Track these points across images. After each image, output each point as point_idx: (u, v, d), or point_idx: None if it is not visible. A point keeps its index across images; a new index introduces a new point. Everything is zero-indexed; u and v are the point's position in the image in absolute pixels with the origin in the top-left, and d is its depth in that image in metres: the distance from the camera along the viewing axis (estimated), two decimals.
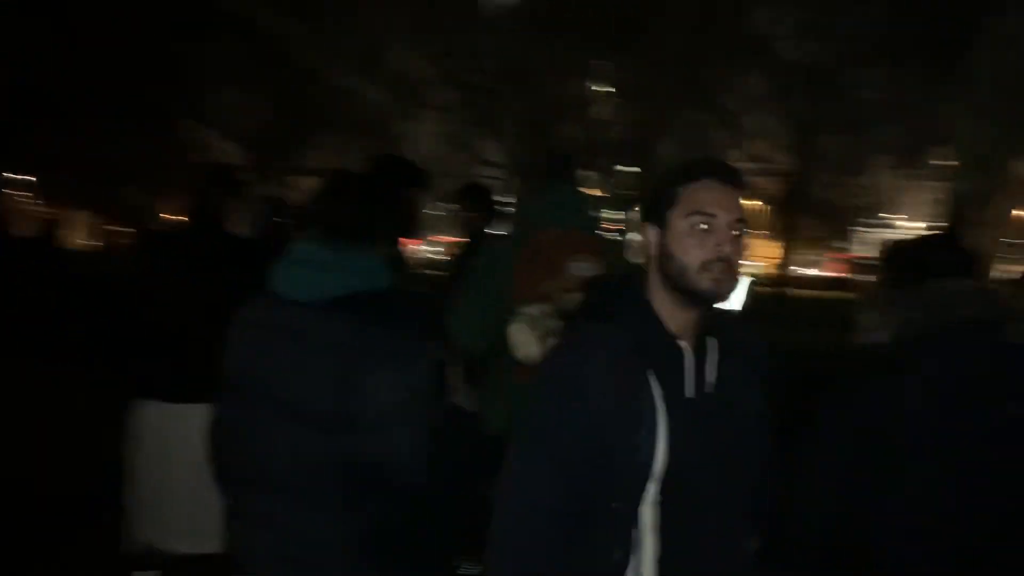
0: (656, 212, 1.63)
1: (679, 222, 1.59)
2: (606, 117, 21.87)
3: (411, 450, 1.76)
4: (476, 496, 2.08)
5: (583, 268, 2.48)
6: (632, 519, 1.53)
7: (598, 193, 25.97)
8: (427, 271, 11.17)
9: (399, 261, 2.98)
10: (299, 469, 1.76)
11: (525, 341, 1.53)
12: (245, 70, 17.59)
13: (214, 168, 3.86)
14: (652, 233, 1.63)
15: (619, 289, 1.65)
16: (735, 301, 3.83)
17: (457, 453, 2.05)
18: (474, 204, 4.17)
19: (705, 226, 1.56)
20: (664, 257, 1.61)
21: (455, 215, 4.31)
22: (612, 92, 20.70)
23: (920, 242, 2.05)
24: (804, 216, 21.73)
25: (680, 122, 21.65)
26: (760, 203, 32.18)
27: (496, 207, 4.19)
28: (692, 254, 1.57)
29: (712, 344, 1.65)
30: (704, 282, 1.57)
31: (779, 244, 22.38)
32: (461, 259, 4.07)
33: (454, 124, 20.87)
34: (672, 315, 1.62)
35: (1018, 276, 8.75)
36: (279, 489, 1.78)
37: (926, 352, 1.80)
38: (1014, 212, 16.62)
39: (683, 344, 1.62)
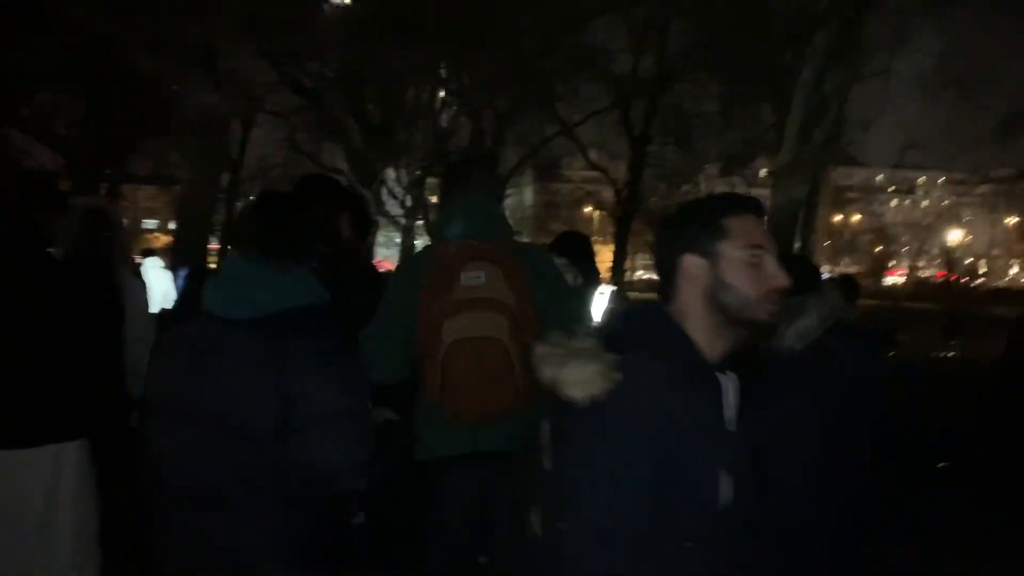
0: (700, 243, 1.62)
1: (736, 253, 1.60)
2: (449, 125, 21.95)
3: (344, 456, 1.80)
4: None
5: (472, 278, 2.40)
6: (706, 559, 1.48)
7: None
8: None
9: (377, 280, 2.93)
10: (234, 481, 1.76)
11: (583, 379, 1.40)
12: (61, 71, 16.26)
13: (32, 179, 3.27)
14: (697, 264, 1.61)
15: (649, 318, 1.62)
16: (597, 311, 3.87)
17: (390, 463, 2.10)
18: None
19: (757, 259, 1.59)
20: (719, 288, 1.59)
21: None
22: (455, 99, 20.75)
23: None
24: (639, 223, 22.67)
25: (520, 131, 22.14)
26: (597, 210, 33.58)
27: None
28: (752, 286, 1.58)
29: (754, 377, 1.66)
30: (763, 313, 1.59)
31: (612, 249, 23.16)
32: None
33: (294, 129, 20.27)
34: (711, 344, 1.60)
35: (836, 277, 9.55)
36: (215, 503, 1.77)
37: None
38: (834, 218, 18.12)
39: (725, 375, 1.61)
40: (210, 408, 1.80)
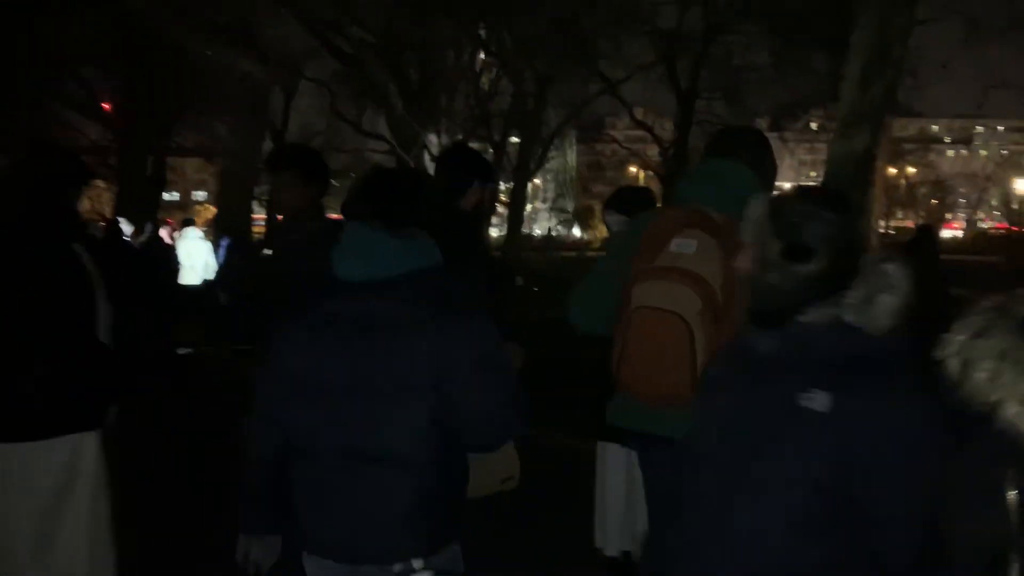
0: None
1: None
2: (490, 88, 21.67)
3: (496, 409, 1.89)
4: None
5: (684, 246, 2.16)
6: None
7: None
8: None
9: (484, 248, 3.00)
10: (400, 439, 1.83)
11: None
12: (105, 45, 16.37)
13: (59, 155, 2.84)
14: None
15: None
16: None
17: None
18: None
19: None
20: None
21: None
22: (495, 61, 20.44)
23: None
24: None
25: (563, 91, 21.76)
26: (643, 171, 33.04)
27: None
28: None
29: None
30: None
31: None
32: None
33: (335, 96, 20.20)
34: None
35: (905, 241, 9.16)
36: (366, 460, 1.84)
37: None
38: (889, 171, 17.52)
39: None
40: (372, 376, 1.85)
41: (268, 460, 1.95)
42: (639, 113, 23.28)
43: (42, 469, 2.52)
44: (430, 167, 20.92)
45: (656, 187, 21.84)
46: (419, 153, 18.28)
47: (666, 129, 23.03)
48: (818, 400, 1.41)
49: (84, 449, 2.58)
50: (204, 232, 14.00)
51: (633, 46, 19.84)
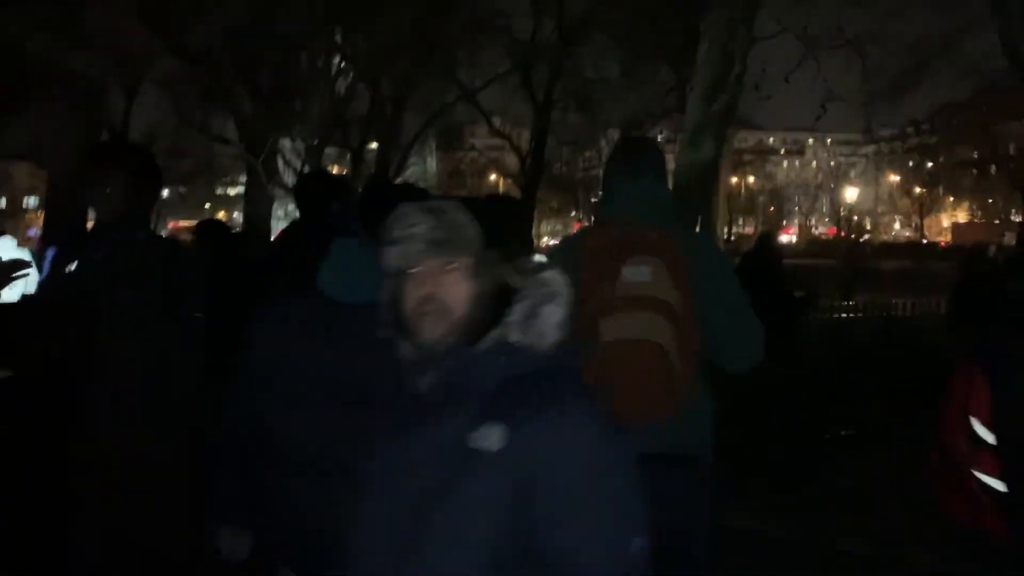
0: None
1: None
2: (346, 92, 21.24)
3: None
4: None
5: (637, 274, 2.20)
6: None
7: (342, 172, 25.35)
8: None
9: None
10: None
11: None
12: None
13: None
14: None
15: None
16: None
17: None
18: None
19: None
20: None
21: None
22: (352, 65, 20.05)
23: None
24: (544, 189, 22.60)
25: (421, 97, 21.64)
26: (502, 178, 33.43)
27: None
28: None
29: None
30: None
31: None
32: None
33: (180, 98, 19.19)
34: None
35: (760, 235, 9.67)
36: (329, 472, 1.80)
37: None
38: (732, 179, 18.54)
39: None
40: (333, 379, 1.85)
41: None
42: (497, 122, 23.48)
43: None
44: (284, 172, 20.29)
45: (516, 194, 22.12)
46: (271, 159, 17.64)
47: (523, 138, 23.33)
48: (490, 437, 1.24)
49: None
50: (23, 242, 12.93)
51: (489, 54, 20.00)
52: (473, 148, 30.24)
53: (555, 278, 1.35)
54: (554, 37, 19.72)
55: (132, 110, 20.41)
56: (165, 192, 33.38)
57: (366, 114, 21.85)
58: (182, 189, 34.93)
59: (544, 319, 1.32)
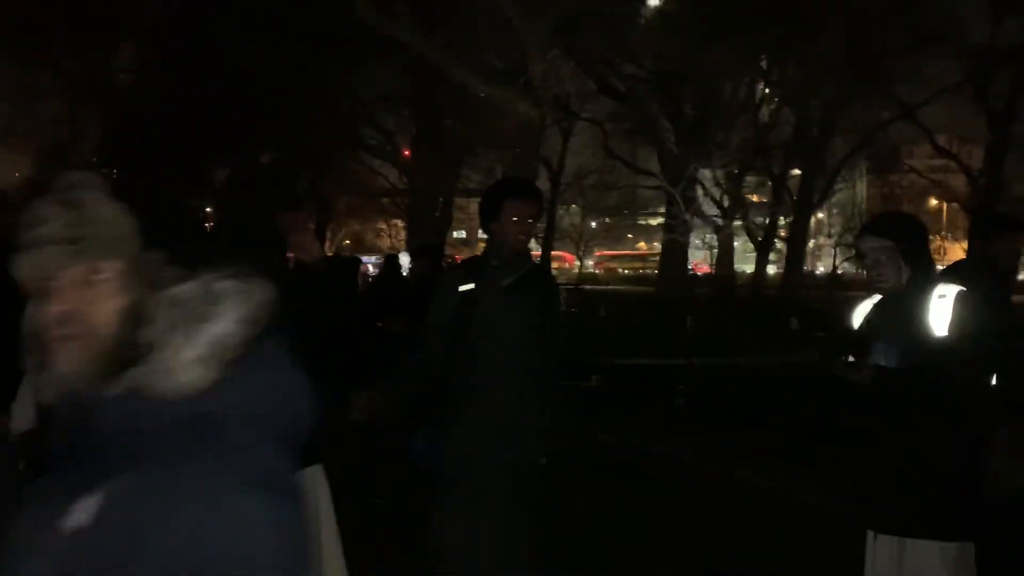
0: None
1: None
2: (770, 119, 20.70)
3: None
4: None
5: None
6: None
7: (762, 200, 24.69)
8: None
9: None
10: None
11: None
12: (398, 94, 17.85)
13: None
14: None
15: None
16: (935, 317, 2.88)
17: None
18: None
19: None
20: None
21: None
22: (777, 90, 19.48)
23: None
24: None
25: (852, 118, 20.20)
26: (946, 203, 29.77)
27: None
28: None
29: None
30: None
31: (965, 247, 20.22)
32: None
33: (608, 135, 20.35)
34: None
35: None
36: None
37: None
38: None
39: None
40: None
41: None
42: (942, 140, 20.96)
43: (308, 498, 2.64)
44: (702, 201, 20.36)
45: (962, 220, 19.45)
46: (690, 188, 17.82)
47: (974, 156, 20.49)
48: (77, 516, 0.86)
49: (320, 477, 2.70)
50: None
51: (936, 65, 17.93)
52: (912, 170, 27.28)
53: (207, 293, 0.91)
54: (1020, 38, 17.04)
55: (567, 148, 22.19)
56: (592, 224, 35.78)
57: (790, 139, 21.05)
58: (607, 220, 37.03)
59: (177, 351, 0.90)
